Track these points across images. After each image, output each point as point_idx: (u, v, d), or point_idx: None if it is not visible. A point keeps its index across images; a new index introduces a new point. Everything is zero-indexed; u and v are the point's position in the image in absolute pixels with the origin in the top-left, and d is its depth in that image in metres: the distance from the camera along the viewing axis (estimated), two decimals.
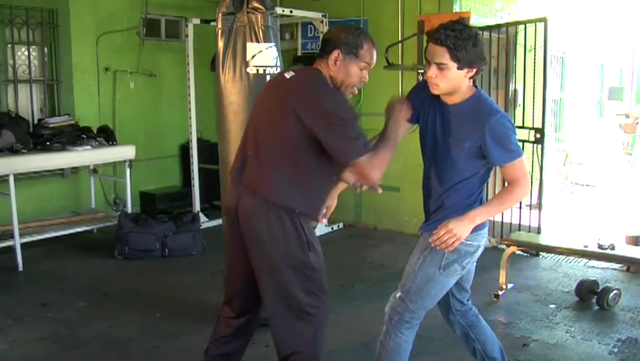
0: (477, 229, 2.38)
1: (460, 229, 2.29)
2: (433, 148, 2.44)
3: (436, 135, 2.42)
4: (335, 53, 2.36)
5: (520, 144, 5.59)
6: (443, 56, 2.22)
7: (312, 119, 2.25)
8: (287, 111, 2.28)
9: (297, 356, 2.45)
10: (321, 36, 5.91)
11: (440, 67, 2.24)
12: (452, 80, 2.27)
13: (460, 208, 2.37)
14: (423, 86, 2.46)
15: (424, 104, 2.47)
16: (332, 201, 2.65)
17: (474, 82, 2.39)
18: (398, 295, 2.48)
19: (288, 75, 2.41)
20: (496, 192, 2.55)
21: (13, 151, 4.90)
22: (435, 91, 2.34)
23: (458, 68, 2.24)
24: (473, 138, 2.31)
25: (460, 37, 2.20)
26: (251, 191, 2.36)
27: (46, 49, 5.86)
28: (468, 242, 2.38)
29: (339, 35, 2.39)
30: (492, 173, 2.57)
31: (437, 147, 2.41)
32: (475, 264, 2.59)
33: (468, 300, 2.69)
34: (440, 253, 2.38)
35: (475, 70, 2.28)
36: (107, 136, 5.58)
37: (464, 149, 2.34)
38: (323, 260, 2.48)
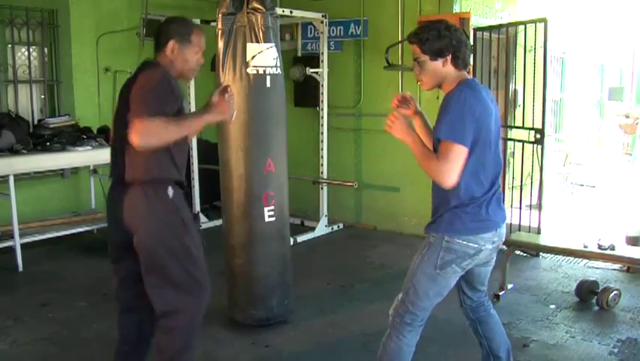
0: (477, 231, 2.38)
1: (398, 124, 2.39)
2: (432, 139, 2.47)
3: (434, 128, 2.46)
4: (170, 44, 2.51)
5: (520, 144, 5.61)
6: (416, 51, 2.41)
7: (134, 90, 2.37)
8: (128, 102, 2.39)
9: (173, 329, 2.53)
10: (321, 37, 5.92)
11: (418, 62, 2.42)
12: (432, 72, 2.41)
13: (458, 205, 2.36)
14: None
15: None
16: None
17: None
18: (399, 297, 2.49)
19: (132, 71, 2.56)
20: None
21: (13, 151, 4.89)
22: (424, 87, 2.48)
23: (431, 59, 2.38)
24: None
25: (424, 32, 2.38)
26: (120, 180, 2.50)
27: (46, 49, 5.86)
28: (464, 242, 2.37)
29: (170, 27, 2.56)
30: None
31: (434, 141, 2.43)
32: (492, 266, 2.59)
33: (476, 298, 2.69)
34: (436, 253, 2.39)
35: (449, 57, 2.36)
36: (107, 136, 5.57)
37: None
38: (196, 234, 2.63)
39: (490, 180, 2.42)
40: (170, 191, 2.49)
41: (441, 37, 2.35)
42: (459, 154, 2.26)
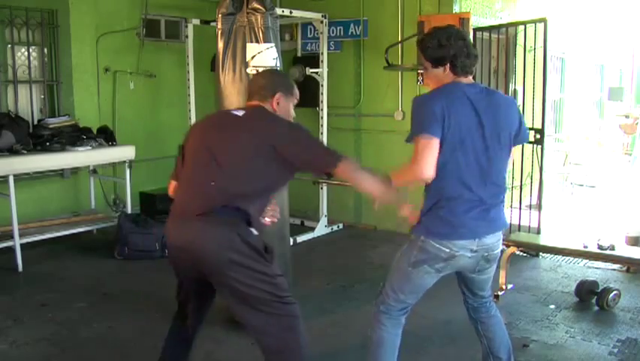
0: (449, 237, 2.39)
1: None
2: None
3: None
4: (277, 96, 2.59)
5: (520, 144, 5.60)
6: (421, 58, 2.55)
7: (290, 150, 2.41)
8: (259, 146, 2.39)
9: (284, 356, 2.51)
10: (321, 37, 5.91)
11: (424, 68, 2.54)
12: (434, 78, 2.50)
13: (430, 208, 2.43)
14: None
15: None
16: None
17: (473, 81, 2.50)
18: (381, 285, 2.62)
19: (239, 113, 2.54)
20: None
21: (13, 152, 4.89)
22: (430, 89, 2.53)
23: (433, 67, 2.48)
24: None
25: (427, 41, 2.48)
26: (204, 221, 2.37)
27: (46, 49, 5.86)
28: (437, 246, 2.40)
29: (275, 80, 2.66)
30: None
31: None
32: (490, 275, 2.63)
33: (477, 301, 2.72)
34: (411, 251, 2.48)
35: (447, 65, 2.44)
36: (106, 137, 5.58)
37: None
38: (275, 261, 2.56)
39: (475, 185, 2.38)
40: (254, 231, 2.45)
41: (441, 46, 2.43)
42: (425, 144, 2.31)
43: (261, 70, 3.44)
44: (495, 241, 2.49)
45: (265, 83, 2.63)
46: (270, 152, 2.37)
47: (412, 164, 2.34)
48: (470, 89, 2.44)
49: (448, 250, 2.40)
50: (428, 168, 2.31)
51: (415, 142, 2.35)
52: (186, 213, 2.44)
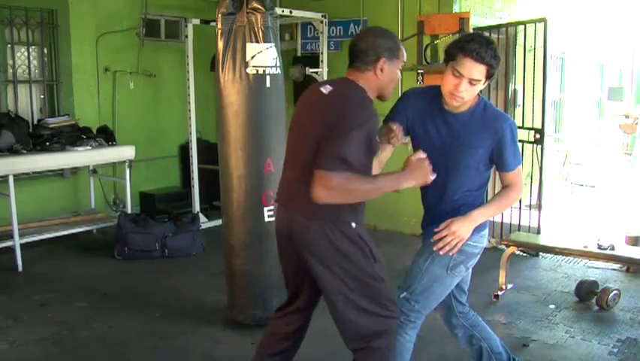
0: (480, 230, 2.43)
1: (463, 230, 2.34)
2: (440, 158, 2.39)
3: (444, 145, 2.41)
4: (381, 62, 2.28)
5: (520, 144, 5.62)
6: (481, 73, 2.25)
7: (333, 125, 2.15)
8: (322, 127, 2.18)
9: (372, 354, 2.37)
10: (321, 37, 5.91)
11: (472, 82, 2.25)
12: (474, 93, 2.32)
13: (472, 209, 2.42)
14: (413, 98, 2.52)
15: (416, 116, 2.49)
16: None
17: None
18: (402, 295, 2.47)
19: (325, 90, 2.29)
20: (495, 193, 2.55)
21: (12, 151, 4.89)
22: (456, 103, 2.32)
23: (484, 83, 2.29)
24: (485, 145, 2.36)
25: (497, 57, 2.25)
26: (301, 213, 2.27)
27: (45, 49, 5.86)
28: (474, 243, 2.43)
29: (379, 42, 2.29)
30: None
31: (446, 156, 2.40)
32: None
33: (464, 303, 2.72)
34: (448, 255, 2.40)
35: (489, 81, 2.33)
36: (106, 136, 5.58)
37: (477, 156, 2.37)
38: (385, 268, 2.39)
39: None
40: (354, 225, 2.29)
41: (500, 62, 2.29)
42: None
43: (260, 70, 3.44)
44: None
45: (366, 47, 2.29)
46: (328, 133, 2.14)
47: (519, 191, 2.44)
48: None
49: (481, 245, 2.47)
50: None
51: (519, 171, 2.41)
52: (283, 200, 2.38)
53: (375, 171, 2.41)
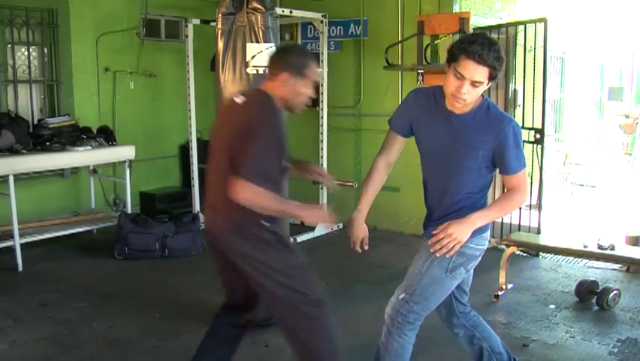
0: (482, 232, 2.42)
1: (460, 233, 2.32)
2: (442, 159, 2.41)
3: (445, 146, 2.40)
4: (284, 75, 2.42)
5: (522, 145, 5.58)
6: (484, 75, 2.22)
7: (241, 133, 2.32)
8: (233, 137, 2.36)
9: (315, 356, 2.51)
10: (321, 37, 5.91)
11: (475, 84, 2.23)
12: (477, 94, 2.29)
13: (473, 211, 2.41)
14: (415, 99, 2.50)
15: (419, 117, 2.48)
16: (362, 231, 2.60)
17: None
18: (401, 296, 2.46)
19: (239, 100, 2.47)
20: (497, 196, 2.56)
21: (13, 151, 4.89)
22: (459, 105, 2.30)
23: (487, 84, 2.27)
24: (487, 147, 2.34)
25: (500, 58, 2.22)
26: (220, 215, 2.47)
27: (46, 49, 5.86)
28: (474, 246, 2.42)
29: (286, 58, 2.47)
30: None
31: (448, 157, 2.39)
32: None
33: (465, 303, 2.71)
34: (446, 257, 2.38)
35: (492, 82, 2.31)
36: (106, 136, 5.58)
37: (478, 158, 2.36)
38: (303, 258, 2.57)
39: None
40: (265, 223, 2.45)
41: (504, 63, 2.26)
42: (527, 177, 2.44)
43: (261, 70, 3.44)
44: None
45: (275, 59, 2.51)
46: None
47: (523, 194, 2.38)
48: None
49: (482, 247, 2.46)
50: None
51: (523, 174, 2.38)
52: (207, 204, 2.58)
53: (385, 169, 2.58)
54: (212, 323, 2.74)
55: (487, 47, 2.19)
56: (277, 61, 2.48)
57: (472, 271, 2.59)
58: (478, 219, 2.34)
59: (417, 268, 2.45)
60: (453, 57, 2.25)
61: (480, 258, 2.50)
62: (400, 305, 2.45)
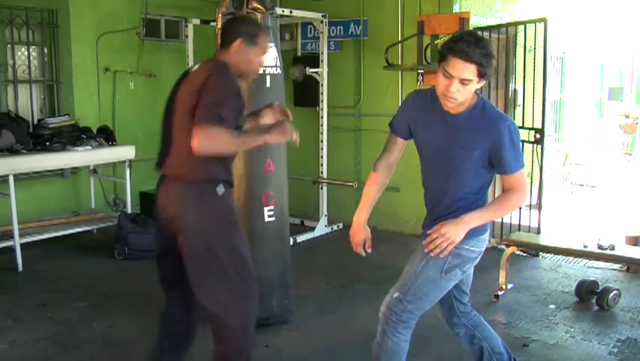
0: (479, 234, 2.40)
1: (454, 233, 2.30)
2: (439, 159, 2.41)
3: (442, 147, 2.40)
4: (237, 43, 2.48)
5: (520, 144, 5.60)
6: (472, 72, 2.20)
7: (197, 90, 2.33)
8: (192, 97, 2.35)
9: (227, 331, 2.53)
10: (321, 37, 5.91)
11: (464, 82, 2.22)
12: (469, 93, 2.28)
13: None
14: (412, 101, 2.50)
15: (417, 119, 2.48)
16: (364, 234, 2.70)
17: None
18: (395, 295, 2.46)
19: (194, 68, 2.52)
20: (495, 196, 2.54)
21: (13, 151, 4.90)
22: (451, 104, 2.30)
23: (477, 82, 2.25)
24: (482, 147, 2.32)
25: (487, 55, 2.20)
26: (172, 177, 2.45)
27: (46, 49, 5.86)
28: (471, 248, 2.40)
29: (239, 26, 2.53)
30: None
31: (445, 157, 2.39)
32: (473, 267, 2.60)
33: (466, 303, 2.71)
34: (444, 258, 2.38)
35: (485, 80, 2.29)
36: (106, 136, 5.58)
37: (473, 158, 2.35)
38: (245, 236, 2.59)
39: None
40: (221, 189, 2.45)
41: (493, 59, 2.25)
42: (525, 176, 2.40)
43: (261, 69, 3.44)
44: None
45: (227, 28, 2.57)
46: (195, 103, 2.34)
47: (522, 195, 2.37)
48: None
49: (479, 250, 2.44)
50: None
51: (521, 174, 2.36)
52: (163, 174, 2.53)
53: (385, 172, 2.60)
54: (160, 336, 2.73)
55: (474, 44, 2.18)
56: (229, 30, 2.53)
57: (471, 271, 2.59)
58: (473, 219, 2.32)
59: (412, 267, 2.45)
60: (442, 57, 2.26)
61: (477, 260, 2.48)
62: (394, 304, 2.45)
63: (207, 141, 2.24)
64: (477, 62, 2.18)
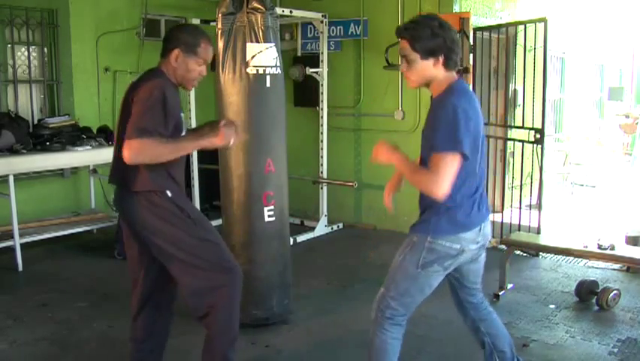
0: (457, 231, 2.37)
1: (382, 154, 2.37)
2: (423, 149, 2.42)
3: (423, 137, 2.42)
4: (175, 52, 2.54)
5: (520, 144, 5.61)
6: (405, 48, 2.30)
7: (134, 103, 2.46)
8: (126, 110, 2.48)
9: (212, 317, 2.62)
10: (321, 37, 5.91)
11: (407, 59, 2.31)
12: (421, 72, 2.32)
13: (442, 208, 2.35)
14: None
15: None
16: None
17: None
18: (381, 291, 2.52)
19: (135, 79, 2.67)
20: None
21: (13, 151, 4.89)
22: (411, 85, 2.40)
23: (422, 58, 2.28)
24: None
25: (416, 29, 2.27)
26: (123, 187, 2.59)
27: (46, 49, 5.86)
28: (448, 244, 2.38)
29: (179, 35, 2.58)
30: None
31: (424, 148, 2.41)
32: (482, 263, 2.60)
33: (474, 295, 2.69)
34: (418, 253, 2.39)
35: (441, 58, 2.29)
36: (106, 136, 5.58)
37: (428, 148, 2.32)
38: (211, 228, 2.69)
39: (476, 183, 2.42)
40: (169, 193, 2.56)
41: (434, 35, 2.25)
42: (451, 164, 2.20)
43: (261, 70, 3.44)
44: (490, 229, 2.54)
45: (167, 36, 2.64)
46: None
47: (435, 178, 2.20)
48: (469, 88, 2.43)
49: (458, 246, 2.38)
50: (447, 187, 2.20)
51: (444, 156, 2.19)
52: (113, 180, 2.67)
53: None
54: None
55: (408, 23, 2.33)
56: (169, 38, 2.60)
57: (476, 266, 2.58)
58: (399, 160, 2.34)
59: (394, 262, 2.50)
60: None
61: (460, 258, 2.42)
62: (379, 300, 2.51)
63: (136, 152, 2.37)
64: (405, 37, 2.29)
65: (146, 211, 2.52)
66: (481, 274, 2.68)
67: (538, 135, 5.08)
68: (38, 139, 5.16)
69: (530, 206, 5.56)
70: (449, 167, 2.20)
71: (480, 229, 2.43)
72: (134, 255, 2.70)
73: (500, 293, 4.22)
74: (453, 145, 2.19)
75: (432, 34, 2.25)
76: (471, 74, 5.23)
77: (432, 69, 2.30)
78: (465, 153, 2.22)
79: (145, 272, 2.71)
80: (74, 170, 5.95)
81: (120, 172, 2.56)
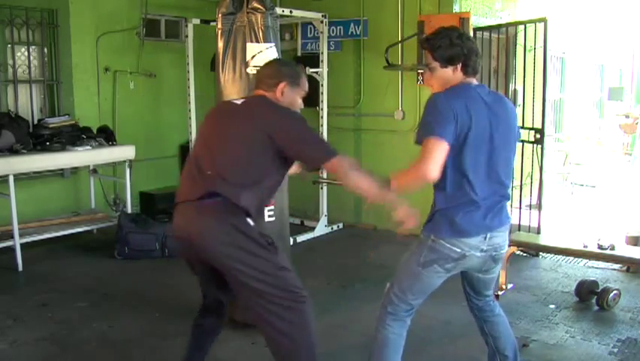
0: (461, 235, 2.39)
1: (408, 217, 2.40)
2: None
3: None
4: (282, 85, 2.63)
5: (520, 144, 5.60)
6: (428, 57, 2.47)
7: (284, 138, 2.46)
8: (255, 134, 2.47)
9: (293, 355, 2.55)
10: (321, 37, 5.91)
11: (430, 68, 2.47)
12: (441, 79, 2.45)
13: (442, 209, 2.41)
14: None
15: None
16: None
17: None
18: (387, 287, 2.59)
19: (238, 102, 2.67)
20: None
21: (13, 151, 4.89)
22: (433, 91, 2.48)
23: (441, 67, 2.43)
24: None
25: (436, 39, 2.43)
26: (204, 214, 2.46)
27: (46, 49, 5.86)
28: (448, 245, 2.40)
29: (282, 69, 2.70)
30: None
31: None
32: (493, 276, 2.63)
33: (480, 299, 2.71)
34: (420, 251, 2.45)
35: (459, 65, 2.41)
36: (106, 136, 5.58)
37: None
38: (287, 258, 2.66)
39: (484, 185, 2.40)
40: (251, 222, 2.54)
41: (452, 45, 2.40)
42: (434, 144, 2.27)
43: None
44: (502, 240, 2.51)
45: (270, 72, 2.69)
46: (266, 140, 2.44)
47: (419, 163, 2.28)
48: (482, 91, 2.47)
49: (459, 250, 2.40)
50: (434, 168, 2.27)
51: (425, 142, 2.30)
52: (185, 202, 2.52)
53: None
54: (194, 329, 2.87)
55: (431, 34, 2.49)
56: (274, 73, 2.68)
57: (485, 278, 2.61)
58: (394, 191, 2.42)
59: (400, 261, 2.57)
60: None
61: (462, 262, 2.44)
62: (384, 295, 2.58)
63: (351, 171, 2.43)
64: (427, 47, 2.46)
65: (226, 240, 2.45)
66: (491, 287, 2.70)
67: (538, 135, 5.08)
68: (38, 139, 5.16)
69: (530, 206, 5.56)
70: (430, 150, 2.28)
71: (485, 237, 2.42)
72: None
73: (500, 293, 4.22)
74: (430, 130, 2.30)
75: (450, 44, 2.40)
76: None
77: (451, 76, 2.44)
78: (443, 137, 2.28)
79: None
80: (74, 170, 5.95)
81: (202, 189, 2.47)
